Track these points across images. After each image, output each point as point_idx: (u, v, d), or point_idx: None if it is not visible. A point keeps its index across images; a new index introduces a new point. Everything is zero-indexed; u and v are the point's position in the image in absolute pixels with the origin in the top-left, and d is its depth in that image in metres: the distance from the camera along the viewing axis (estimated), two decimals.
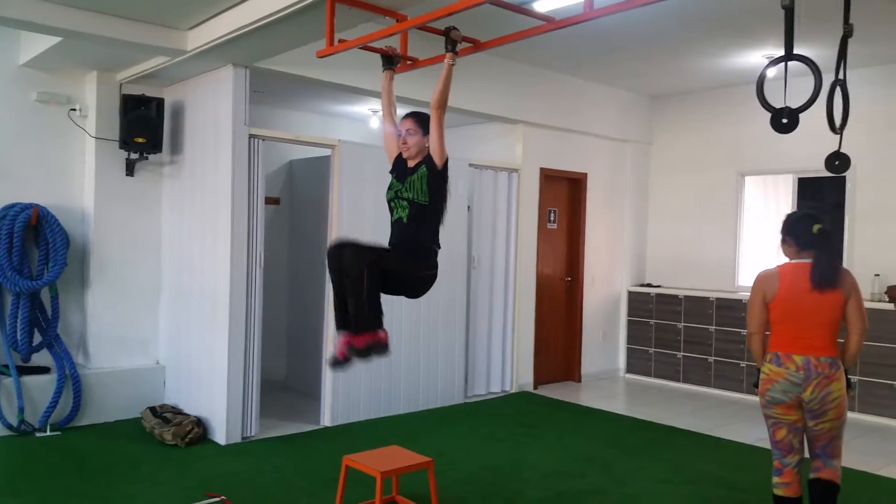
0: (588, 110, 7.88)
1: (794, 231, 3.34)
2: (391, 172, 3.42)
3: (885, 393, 6.37)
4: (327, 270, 3.21)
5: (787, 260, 3.41)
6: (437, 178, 3.24)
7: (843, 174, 3.57)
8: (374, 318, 3.16)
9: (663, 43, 6.35)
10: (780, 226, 3.41)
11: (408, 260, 3.24)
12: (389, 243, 3.36)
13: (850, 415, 3.66)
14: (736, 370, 7.44)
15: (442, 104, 3.14)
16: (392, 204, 3.34)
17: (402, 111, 3.57)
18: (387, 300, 3.26)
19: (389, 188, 3.38)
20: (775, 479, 3.50)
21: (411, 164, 3.33)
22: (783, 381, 3.31)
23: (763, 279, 3.44)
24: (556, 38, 5.74)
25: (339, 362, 3.18)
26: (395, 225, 3.33)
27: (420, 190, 3.22)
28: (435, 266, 3.31)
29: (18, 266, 5.39)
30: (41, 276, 5.51)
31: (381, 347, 3.19)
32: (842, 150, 3.41)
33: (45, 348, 5.59)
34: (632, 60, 6.98)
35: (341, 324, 3.20)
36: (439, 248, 3.33)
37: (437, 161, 3.22)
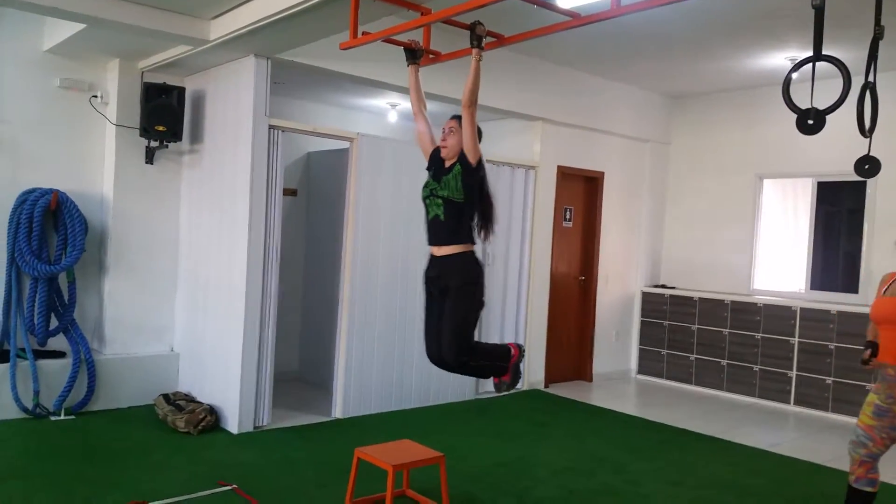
0: (607, 109, 7.84)
1: None
2: (428, 169, 3.47)
3: None
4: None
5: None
6: (471, 175, 3.28)
7: (873, 178, 3.56)
8: (499, 358, 3.44)
9: (685, 43, 6.30)
10: None
11: (459, 293, 3.31)
12: (429, 242, 3.44)
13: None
14: (749, 374, 7.40)
15: (473, 102, 3.17)
16: (427, 202, 3.39)
17: (430, 106, 3.60)
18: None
19: (425, 186, 3.43)
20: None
21: (448, 163, 3.37)
22: None
23: None
24: (578, 35, 5.72)
25: (499, 388, 3.50)
26: (432, 223, 3.38)
27: (455, 188, 3.27)
28: (479, 273, 3.38)
29: (37, 251, 5.44)
30: (59, 261, 5.55)
31: (521, 361, 3.49)
32: (871, 154, 3.36)
33: (61, 333, 5.64)
34: (653, 60, 6.94)
35: (485, 377, 3.58)
36: (475, 244, 3.40)
37: (471, 159, 3.26)
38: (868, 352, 3.70)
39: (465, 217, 3.32)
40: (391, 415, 6.09)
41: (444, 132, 3.38)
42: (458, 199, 3.27)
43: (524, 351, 3.57)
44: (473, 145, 3.23)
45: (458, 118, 3.37)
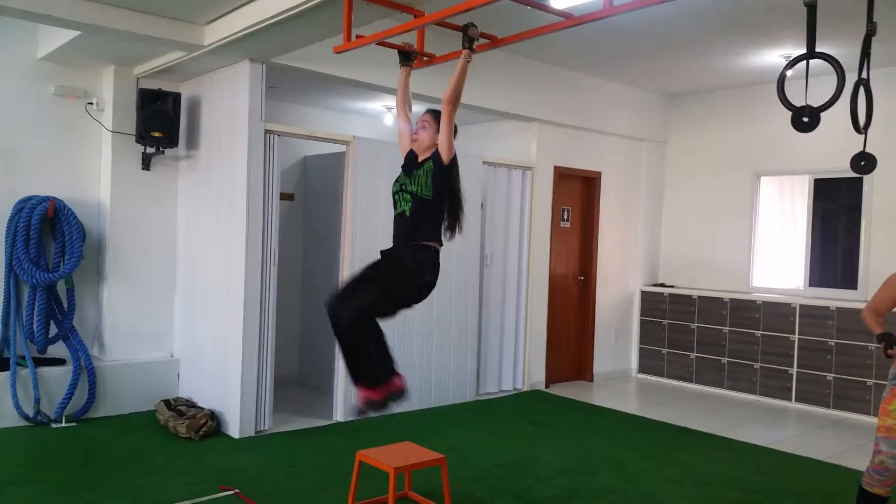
0: (603, 108, 7.85)
1: None
2: (402, 167, 3.42)
3: None
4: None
5: None
6: (442, 172, 3.22)
7: (869, 174, 3.51)
8: (385, 369, 3.19)
9: (680, 41, 6.31)
10: None
11: (401, 273, 3.19)
12: (394, 238, 3.34)
13: (874, 419, 3.61)
14: (749, 371, 7.40)
15: (454, 99, 3.13)
16: (396, 197, 3.33)
17: (417, 108, 3.57)
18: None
19: (396, 181, 3.37)
20: None
21: (420, 158, 3.32)
22: None
23: None
24: (573, 35, 5.73)
25: (363, 412, 3.23)
26: (398, 218, 3.31)
27: (424, 184, 3.20)
28: (433, 269, 3.24)
29: (35, 258, 5.44)
30: (57, 268, 5.55)
31: (398, 396, 3.22)
32: (866, 151, 3.36)
33: (60, 340, 5.64)
34: (648, 59, 6.95)
35: (355, 378, 3.21)
36: (441, 245, 3.29)
37: (445, 156, 3.21)
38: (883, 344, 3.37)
39: (431, 216, 3.22)
40: (392, 417, 6.08)
41: (417, 125, 3.34)
42: (427, 196, 3.19)
43: (407, 394, 3.28)
44: (449, 143, 3.18)
45: (432, 112, 3.33)
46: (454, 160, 3.25)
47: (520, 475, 4.74)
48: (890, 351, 3.37)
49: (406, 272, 3.20)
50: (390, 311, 3.25)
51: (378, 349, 3.21)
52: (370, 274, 3.29)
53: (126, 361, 5.95)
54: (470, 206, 6.60)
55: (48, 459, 4.72)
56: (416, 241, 3.22)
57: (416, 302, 3.29)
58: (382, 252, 3.37)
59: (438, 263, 3.27)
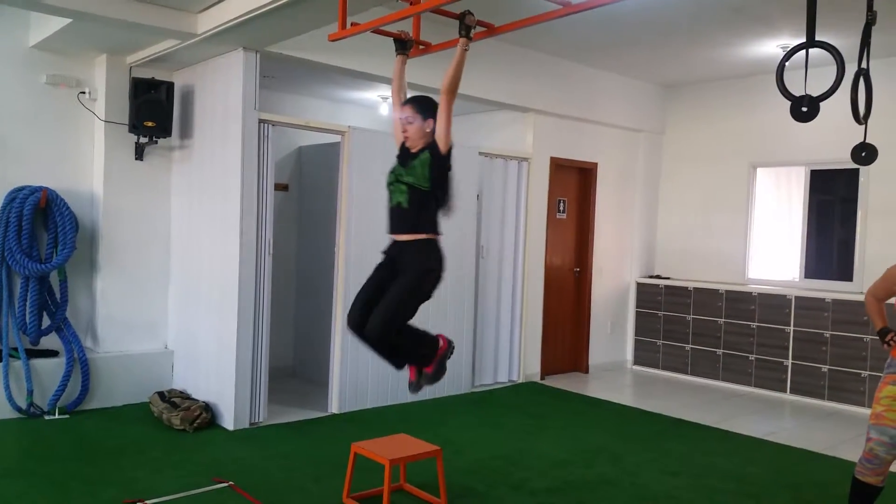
0: (600, 99, 7.82)
1: None
2: (397, 157, 3.37)
3: None
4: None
5: None
6: (439, 163, 3.17)
7: (869, 165, 3.50)
8: (428, 347, 3.27)
9: (677, 32, 6.28)
10: None
11: (413, 276, 3.18)
12: (389, 231, 3.31)
13: (869, 411, 3.59)
14: (745, 363, 7.40)
15: (452, 89, 3.09)
16: (391, 188, 3.27)
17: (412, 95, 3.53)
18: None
19: (391, 172, 3.31)
20: None
21: (414, 149, 3.27)
22: None
23: None
24: (569, 25, 5.70)
25: (416, 386, 3.32)
26: (394, 210, 3.25)
27: (421, 175, 3.16)
28: (439, 262, 3.23)
29: (27, 249, 5.39)
30: (50, 259, 5.51)
31: (449, 354, 3.32)
32: (867, 142, 3.35)
33: (53, 332, 5.60)
34: (645, 49, 6.92)
35: (399, 365, 3.31)
36: (440, 234, 3.26)
37: (442, 147, 3.16)
38: (891, 335, 3.37)
39: (428, 206, 3.19)
40: (387, 409, 6.08)
41: (402, 122, 3.27)
42: (424, 186, 3.15)
43: (453, 346, 3.37)
44: (447, 134, 3.13)
45: (412, 103, 3.27)
46: (451, 150, 3.21)
47: (515, 467, 4.73)
48: (892, 339, 3.36)
49: (418, 273, 3.18)
50: (411, 315, 3.24)
51: (415, 336, 3.27)
52: (382, 279, 3.26)
53: (119, 353, 5.92)
54: (467, 197, 6.60)
55: (41, 452, 4.69)
56: (416, 234, 3.19)
57: (429, 298, 3.29)
58: (385, 252, 3.33)
59: (442, 255, 3.26)
